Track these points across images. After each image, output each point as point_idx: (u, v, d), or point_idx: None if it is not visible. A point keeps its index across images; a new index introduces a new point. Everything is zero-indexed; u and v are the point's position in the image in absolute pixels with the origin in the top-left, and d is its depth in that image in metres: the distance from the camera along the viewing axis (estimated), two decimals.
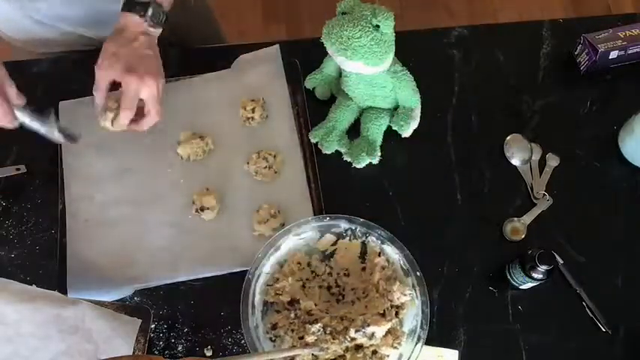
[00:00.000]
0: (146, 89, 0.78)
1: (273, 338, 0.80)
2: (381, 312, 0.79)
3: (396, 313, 0.80)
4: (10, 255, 0.87)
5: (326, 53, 0.86)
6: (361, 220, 0.84)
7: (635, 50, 0.97)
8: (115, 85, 0.80)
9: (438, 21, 2.06)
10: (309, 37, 1.00)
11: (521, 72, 1.00)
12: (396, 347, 0.78)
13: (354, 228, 0.85)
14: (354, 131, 0.95)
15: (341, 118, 0.93)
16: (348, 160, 0.92)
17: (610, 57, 0.97)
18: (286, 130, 0.95)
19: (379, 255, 0.84)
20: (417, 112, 0.93)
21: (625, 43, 0.96)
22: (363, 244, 0.86)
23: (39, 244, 0.88)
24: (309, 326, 0.78)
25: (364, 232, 0.84)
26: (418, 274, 0.80)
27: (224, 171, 0.92)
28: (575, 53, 1.00)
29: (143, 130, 0.82)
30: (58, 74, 0.99)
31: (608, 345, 0.83)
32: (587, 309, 0.84)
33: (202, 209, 0.87)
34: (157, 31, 0.82)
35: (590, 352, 0.83)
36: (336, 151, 0.93)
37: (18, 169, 0.91)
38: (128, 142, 0.92)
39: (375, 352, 0.78)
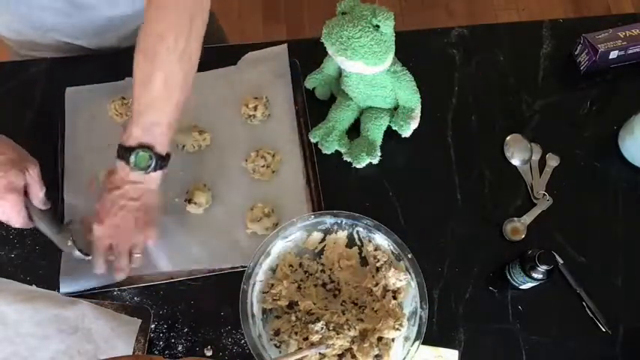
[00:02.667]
0: (109, 241, 0.79)
1: (278, 344, 0.80)
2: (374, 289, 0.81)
3: (394, 297, 0.81)
4: (10, 255, 0.87)
5: (326, 53, 0.86)
6: (345, 212, 0.84)
7: (635, 50, 0.97)
8: None
9: (438, 21, 2.06)
10: (309, 37, 1.00)
11: (521, 72, 1.00)
12: (398, 329, 0.78)
13: (339, 222, 0.85)
14: (353, 131, 0.95)
15: (341, 118, 0.93)
16: (348, 160, 0.92)
17: (610, 57, 0.97)
18: (287, 130, 0.95)
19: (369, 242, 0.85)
20: (417, 112, 0.93)
21: (625, 43, 0.96)
22: (352, 237, 0.86)
23: (39, 244, 0.88)
24: (312, 326, 0.78)
25: (350, 224, 0.84)
26: (409, 256, 0.81)
27: (222, 167, 0.93)
28: (575, 53, 1.00)
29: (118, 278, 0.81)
30: (58, 74, 0.99)
31: (608, 345, 0.83)
32: (587, 309, 0.84)
33: (190, 201, 0.88)
34: (151, 177, 0.78)
35: (590, 352, 0.83)
36: (336, 151, 0.93)
37: None
38: None
39: (380, 339, 0.79)
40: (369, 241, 0.85)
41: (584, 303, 0.84)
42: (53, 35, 0.99)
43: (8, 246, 0.87)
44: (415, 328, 0.78)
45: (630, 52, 0.97)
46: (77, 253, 0.81)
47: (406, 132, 0.92)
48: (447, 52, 1.02)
